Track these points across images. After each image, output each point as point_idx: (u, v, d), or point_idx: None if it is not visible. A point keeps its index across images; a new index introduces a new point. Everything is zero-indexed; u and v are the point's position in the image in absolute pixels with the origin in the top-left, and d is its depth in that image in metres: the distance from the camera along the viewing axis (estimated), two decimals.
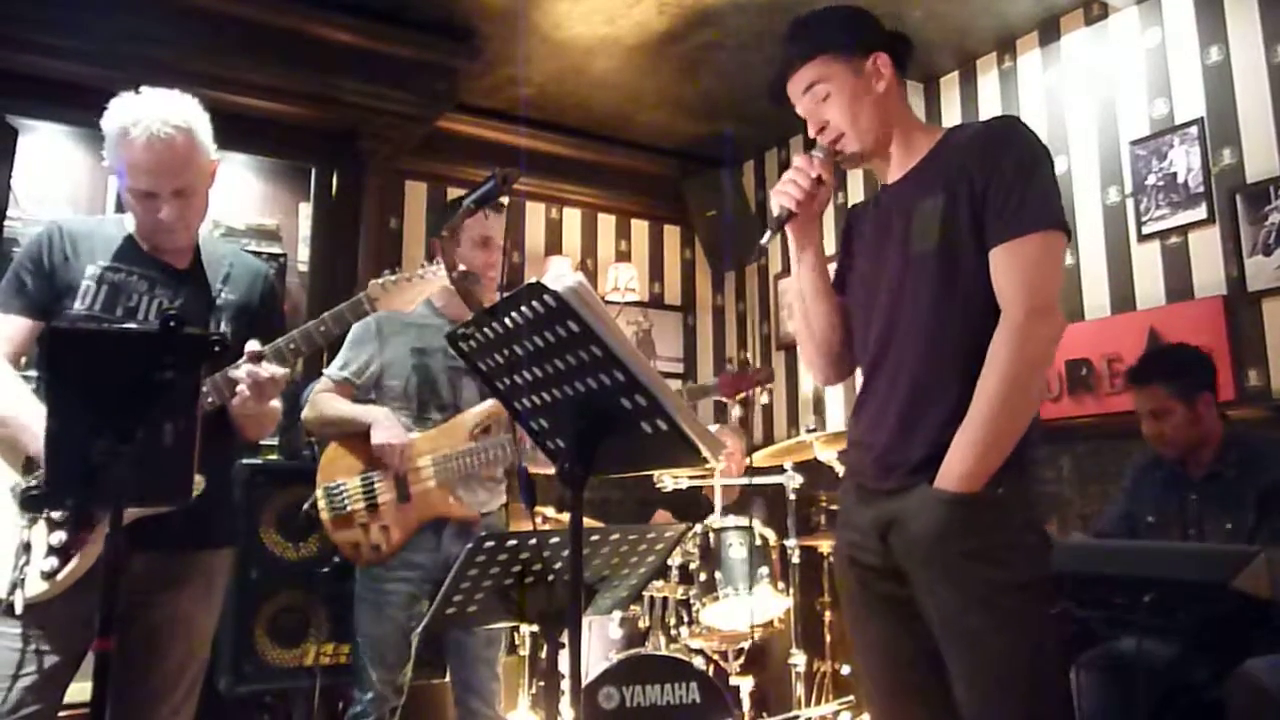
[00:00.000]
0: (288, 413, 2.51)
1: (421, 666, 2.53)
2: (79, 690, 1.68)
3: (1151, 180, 3.46)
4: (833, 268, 1.84)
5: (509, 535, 1.57)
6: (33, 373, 1.88)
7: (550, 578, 1.60)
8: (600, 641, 3.29)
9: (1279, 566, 1.84)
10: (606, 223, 5.39)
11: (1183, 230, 3.36)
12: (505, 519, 2.69)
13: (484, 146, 4.73)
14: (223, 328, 1.92)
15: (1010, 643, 1.46)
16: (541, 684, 3.34)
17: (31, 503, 1.70)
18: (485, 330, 1.35)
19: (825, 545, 3.66)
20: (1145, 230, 3.47)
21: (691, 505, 3.97)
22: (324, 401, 2.48)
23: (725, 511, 3.46)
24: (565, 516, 2.98)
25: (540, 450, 1.48)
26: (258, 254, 2.42)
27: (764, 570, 3.24)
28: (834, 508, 3.95)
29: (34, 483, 1.72)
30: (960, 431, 1.51)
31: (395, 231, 4.69)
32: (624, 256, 5.36)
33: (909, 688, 1.63)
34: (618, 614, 3.23)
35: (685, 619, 3.32)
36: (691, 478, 3.66)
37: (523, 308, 1.26)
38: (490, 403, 2.48)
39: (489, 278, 2.46)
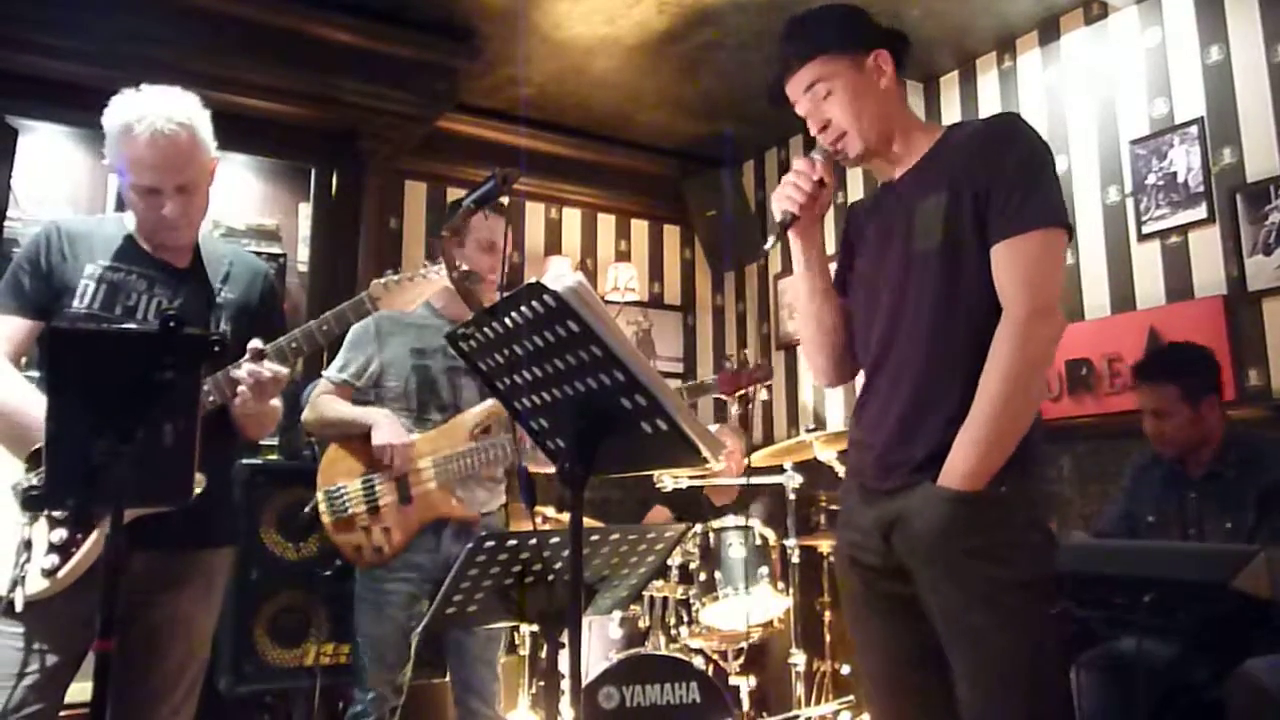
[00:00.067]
0: (288, 412, 2.51)
1: (421, 666, 2.53)
2: (79, 690, 1.68)
3: (1151, 180, 3.46)
4: (833, 268, 1.84)
5: (509, 535, 1.57)
6: (33, 373, 1.88)
7: (550, 578, 1.60)
8: (600, 641, 3.29)
9: (1279, 566, 1.84)
10: (606, 223, 5.39)
11: (1183, 230, 3.36)
12: (505, 519, 2.69)
13: (484, 146, 4.73)
14: (223, 327, 1.92)
15: (1013, 641, 1.46)
16: (541, 684, 3.34)
17: (32, 502, 1.70)
18: (485, 330, 1.35)
19: (825, 545, 3.66)
20: (1145, 230, 3.47)
21: (691, 505, 3.97)
22: (324, 403, 2.48)
23: (725, 511, 3.47)
24: (565, 516, 2.98)
25: (540, 450, 1.49)
26: (258, 254, 2.42)
27: (764, 570, 3.24)
28: (834, 508, 3.96)
29: (35, 482, 1.72)
30: (963, 430, 1.51)
31: (395, 231, 4.69)
32: (624, 256, 5.36)
33: (909, 688, 1.63)
34: (618, 614, 3.23)
35: (685, 619, 3.32)
36: (691, 478, 3.66)
37: (523, 308, 1.26)
38: (490, 403, 2.48)
39: (491, 280, 2.46)
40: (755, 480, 3.67)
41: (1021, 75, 4.01)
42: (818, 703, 3.69)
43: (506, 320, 1.30)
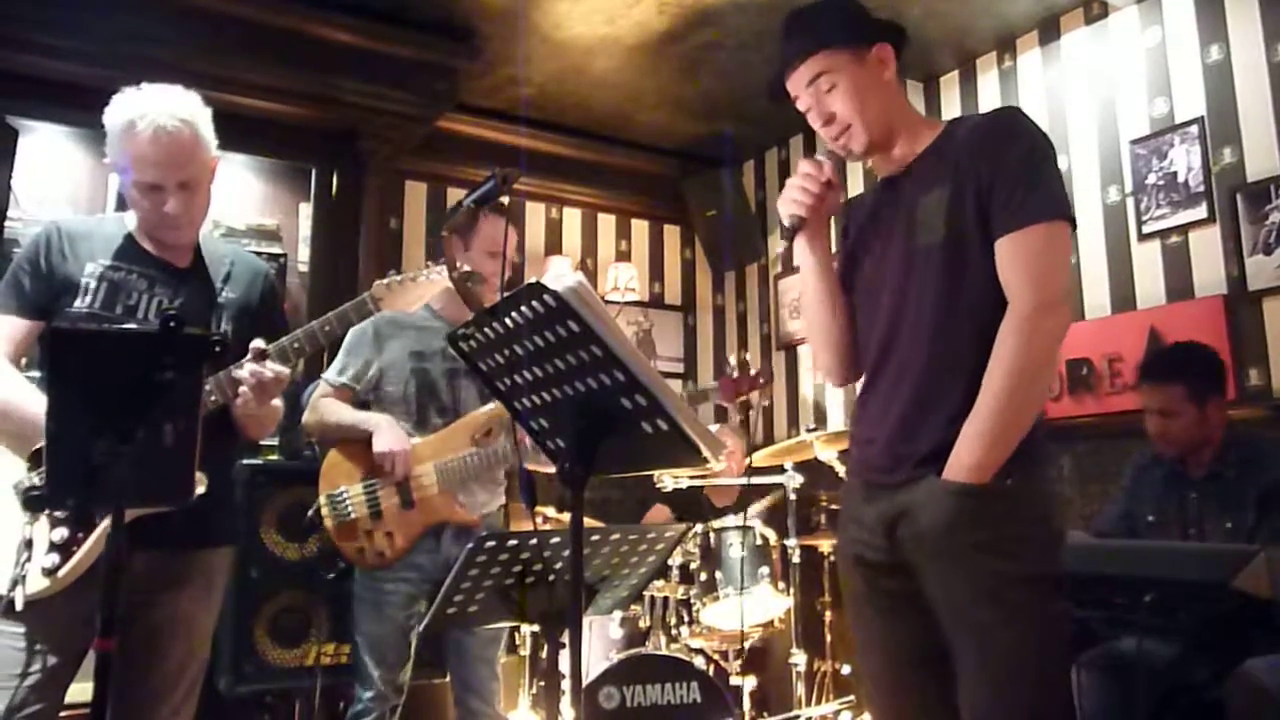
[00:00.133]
0: (289, 412, 2.51)
1: (422, 666, 2.53)
2: (80, 690, 1.68)
3: (1152, 179, 3.46)
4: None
5: (509, 535, 1.57)
6: (34, 373, 1.88)
7: (551, 578, 1.60)
8: (601, 641, 3.29)
9: (1279, 566, 1.84)
10: (606, 222, 5.39)
11: (1183, 229, 3.36)
12: (505, 519, 2.69)
13: (484, 146, 4.73)
14: (223, 327, 1.92)
15: (1018, 636, 1.46)
16: (542, 684, 3.34)
17: (33, 502, 1.71)
18: (485, 330, 1.35)
19: (825, 545, 3.66)
20: (1145, 229, 3.47)
21: (691, 505, 3.97)
22: (325, 407, 2.48)
23: (726, 512, 3.47)
24: (565, 516, 2.98)
25: (540, 450, 1.49)
26: (258, 254, 2.42)
27: (764, 570, 3.25)
28: (834, 507, 3.95)
29: (36, 482, 1.72)
30: (968, 423, 1.50)
31: (395, 231, 4.69)
32: (624, 256, 5.36)
33: (910, 687, 1.63)
34: (618, 614, 3.23)
35: (686, 619, 3.32)
36: (692, 478, 3.66)
37: (523, 308, 1.26)
38: (491, 406, 2.48)
39: (493, 285, 2.45)
40: (755, 480, 3.67)
41: (1022, 75, 4.01)
42: (818, 703, 3.69)
43: (507, 320, 1.30)
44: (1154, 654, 2.13)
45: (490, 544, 1.55)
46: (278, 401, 1.91)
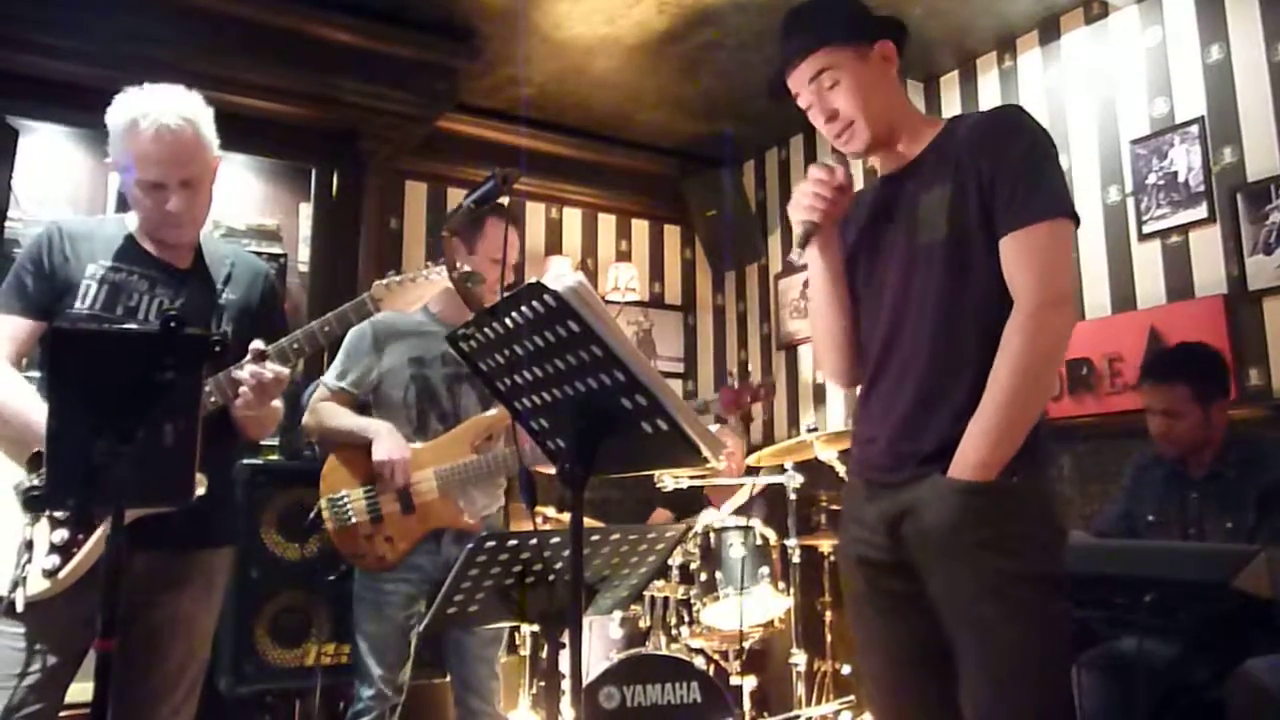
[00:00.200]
0: (289, 413, 2.51)
1: (422, 666, 2.53)
2: (80, 690, 1.68)
3: (1152, 179, 3.46)
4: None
5: (509, 535, 1.57)
6: (34, 373, 1.88)
7: (551, 578, 1.60)
8: (601, 641, 3.29)
9: (1279, 566, 1.84)
10: (607, 222, 5.39)
11: (1183, 229, 3.36)
12: (505, 519, 2.69)
13: (484, 146, 4.73)
14: (224, 328, 1.92)
15: (1021, 634, 1.46)
16: (542, 684, 3.34)
17: (33, 503, 1.71)
18: (486, 330, 1.35)
19: (826, 545, 3.66)
20: (1146, 229, 3.47)
21: (693, 505, 3.97)
22: (324, 412, 2.48)
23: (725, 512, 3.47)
24: (566, 516, 2.98)
25: (541, 450, 1.49)
26: (258, 254, 2.42)
27: (764, 570, 3.24)
28: (835, 507, 3.96)
29: (36, 483, 1.72)
30: (974, 421, 1.50)
31: (395, 232, 4.69)
32: (624, 256, 5.36)
33: (910, 686, 1.63)
34: (618, 614, 3.23)
35: (686, 619, 3.32)
36: (692, 478, 3.66)
37: (523, 308, 1.26)
38: (492, 412, 2.48)
39: (493, 288, 2.44)
40: (756, 480, 3.67)
41: (1022, 75, 4.01)
42: (818, 703, 3.69)
43: (507, 320, 1.30)
44: (1154, 654, 2.12)
45: (490, 544, 1.55)
46: (278, 402, 1.91)
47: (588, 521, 1.61)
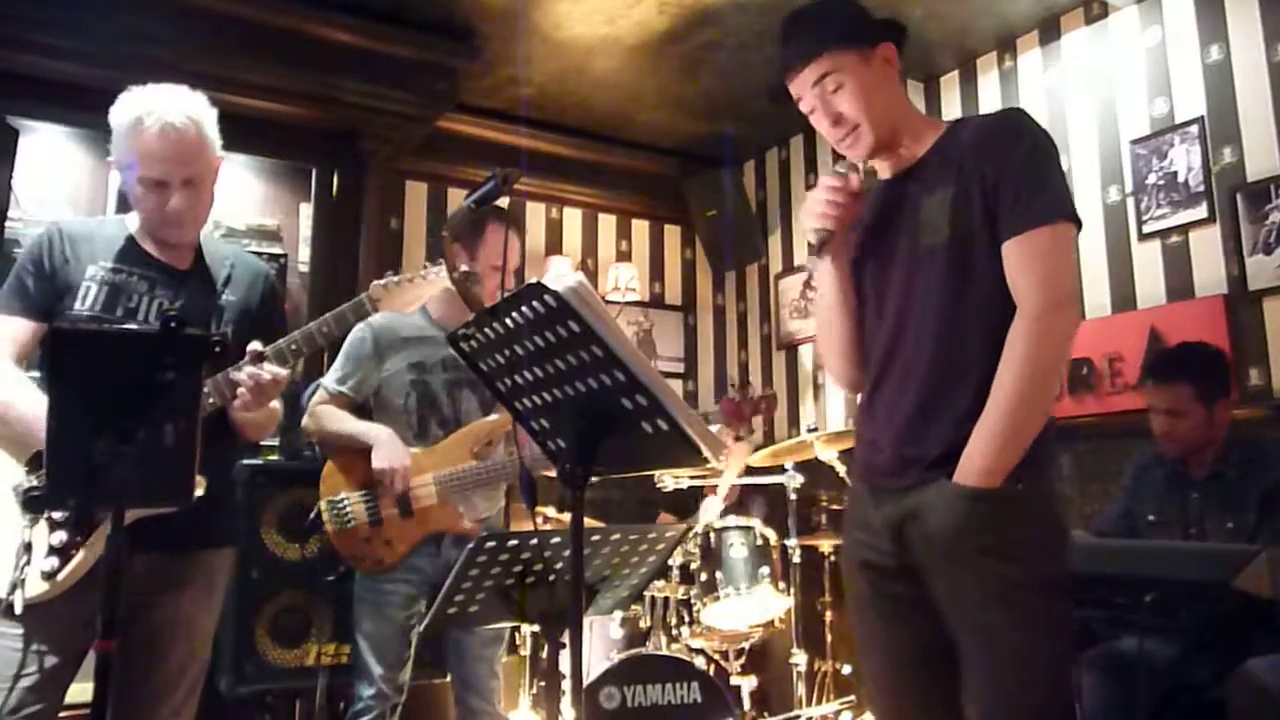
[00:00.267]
0: (288, 413, 2.51)
1: (422, 666, 2.53)
2: (80, 690, 1.68)
3: (1152, 179, 3.46)
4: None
5: (510, 535, 1.57)
6: (34, 374, 1.88)
7: (551, 578, 1.60)
8: (601, 641, 3.29)
9: None
10: (607, 223, 5.39)
11: (1183, 229, 3.36)
12: (506, 519, 2.69)
13: (484, 146, 4.73)
14: (224, 328, 1.92)
15: (1027, 639, 1.46)
16: (542, 684, 3.34)
17: (33, 504, 1.71)
18: (486, 330, 1.35)
19: (826, 545, 3.66)
20: (1146, 229, 3.47)
21: (694, 505, 3.97)
22: (324, 415, 2.48)
23: (726, 513, 3.46)
24: (566, 516, 2.97)
25: (541, 451, 1.49)
26: (258, 254, 2.42)
27: (765, 570, 3.24)
28: (835, 508, 3.95)
29: (36, 483, 1.72)
30: (978, 426, 1.50)
31: (396, 232, 4.69)
32: (624, 256, 5.36)
33: (912, 688, 1.63)
34: (619, 614, 3.23)
35: (686, 619, 3.32)
36: (692, 478, 3.66)
37: (523, 308, 1.26)
38: (492, 418, 2.48)
39: (493, 292, 2.44)
40: (756, 480, 3.67)
41: (1022, 75, 4.01)
42: (819, 703, 3.69)
43: (507, 320, 1.30)
44: (1155, 654, 2.12)
45: (490, 544, 1.55)
46: (277, 403, 1.91)
47: (588, 522, 1.61)
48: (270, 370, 1.77)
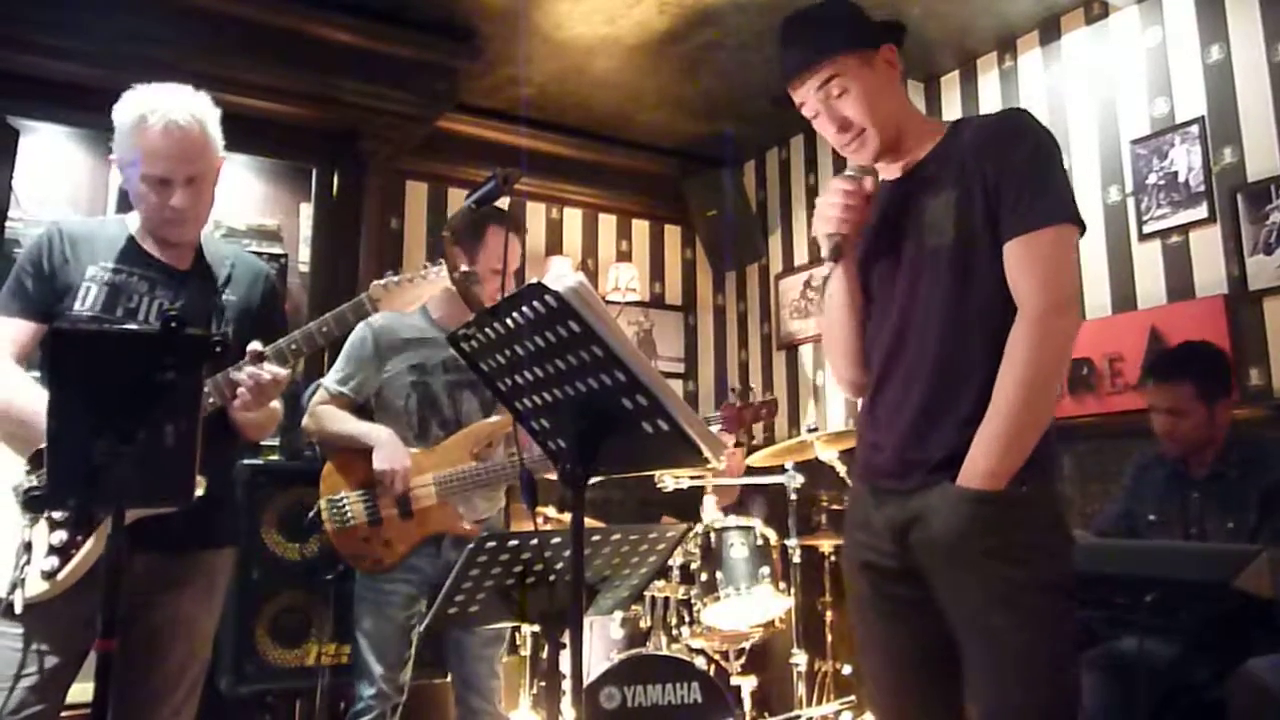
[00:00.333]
0: (288, 413, 2.51)
1: (423, 666, 2.53)
2: (80, 691, 1.68)
3: (1152, 179, 3.46)
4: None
5: (510, 535, 1.57)
6: (34, 374, 1.88)
7: (551, 578, 1.60)
8: (601, 641, 3.29)
9: None
10: (607, 223, 5.39)
11: (1184, 229, 3.36)
12: (506, 519, 2.69)
13: (485, 146, 4.73)
14: (224, 328, 1.92)
15: (1031, 643, 1.46)
16: (543, 684, 3.34)
17: (33, 504, 1.71)
18: (486, 331, 1.35)
19: (826, 545, 3.66)
20: (1146, 229, 3.47)
21: (693, 505, 3.97)
22: (325, 415, 2.48)
23: (726, 513, 3.47)
24: (566, 517, 2.98)
25: (541, 451, 1.49)
26: (259, 254, 2.42)
27: (765, 570, 3.24)
28: (835, 508, 3.95)
29: (36, 483, 1.72)
30: (982, 428, 1.50)
31: (396, 232, 4.69)
32: (625, 256, 5.36)
33: (912, 689, 1.63)
34: (619, 614, 3.23)
35: (686, 619, 3.32)
36: (692, 478, 3.66)
37: (524, 308, 1.26)
38: (493, 420, 2.48)
39: (493, 295, 2.43)
40: (756, 480, 3.67)
41: (1022, 75, 4.01)
42: (819, 703, 3.69)
43: (508, 320, 1.30)
44: (1155, 654, 2.13)
45: (491, 544, 1.56)
46: (277, 403, 1.91)
47: (588, 522, 1.61)
48: (270, 370, 1.78)
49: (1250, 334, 3.14)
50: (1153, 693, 2.11)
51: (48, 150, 3.81)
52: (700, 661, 3.12)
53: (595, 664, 3.08)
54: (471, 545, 1.55)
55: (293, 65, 3.77)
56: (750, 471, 3.67)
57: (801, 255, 5.00)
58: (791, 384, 4.99)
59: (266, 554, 2.92)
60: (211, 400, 1.79)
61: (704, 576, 3.25)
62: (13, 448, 1.76)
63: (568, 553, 1.48)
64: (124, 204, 2.95)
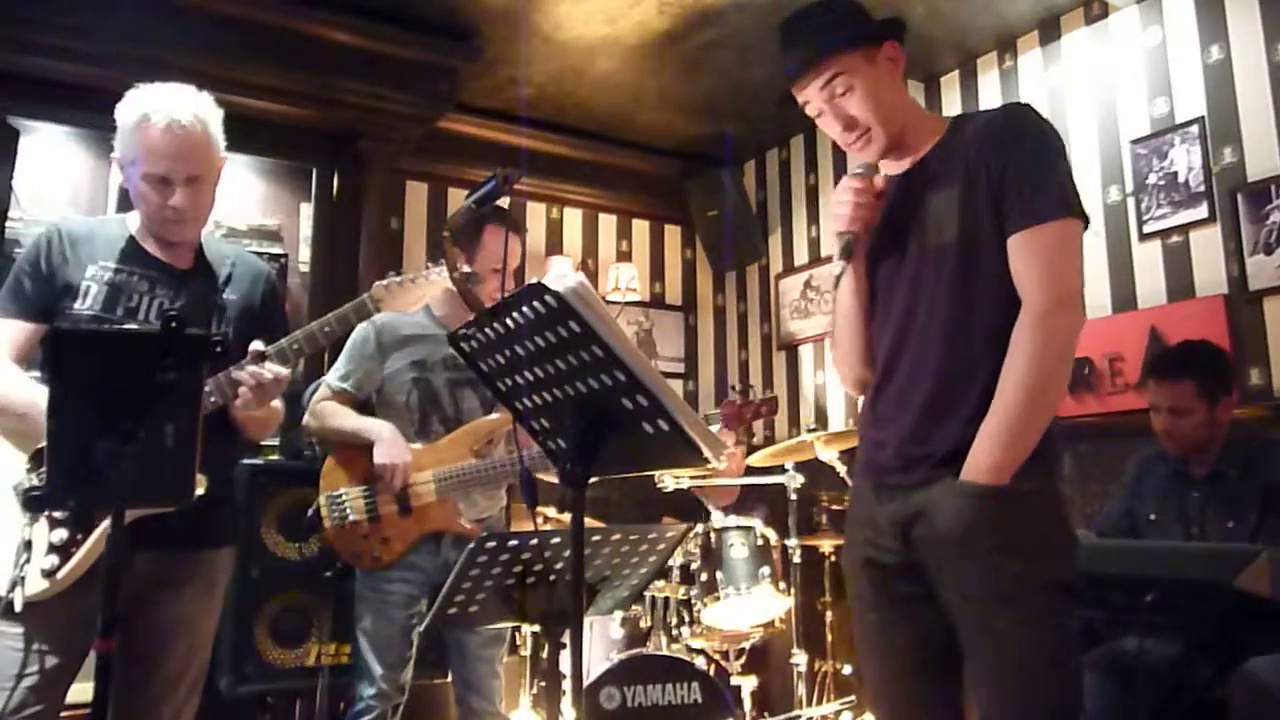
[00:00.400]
0: (289, 413, 2.51)
1: (424, 666, 2.53)
2: (80, 690, 1.68)
3: (1152, 179, 3.46)
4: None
5: (510, 535, 1.57)
6: (34, 374, 1.88)
7: (551, 578, 1.60)
8: (602, 641, 3.29)
9: None
10: (607, 223, 5.39)
11: (1184, 229, 3.36)
12: (507, 519, 2.69)
13: (485, 147, 4.74)
14: (224, 328, 1.92)
15: (1034, 639, 1.46)
16: (543, 684, 3.34)
17: (34, 503, 1.71)
18: (487, 331, 1.35)
19: (826, 545, 3.66)
20: (1146, 229, 3.46)
21: (690, 506, 3.96)
22: (326, 412, 2.48)
23: (726, 512, 3.47)
24: (566, 517, 2.97)
25: (541, 451, 1.48)
26: (259, 254, 2.42)
27: (765, 570, 3.24)
28: (836, 508, 3.96)
29: (36, 483, 1.72)
30: (985, 423, 1.49)
31: (396, 232, 4.69)
32: (625, 256, 5.36)
33: (913, 688, 1.62)
34: (619, 614, 3.23)
35: (686, 619, 3.32)
36: (692, 478, 3.66)
37: (524, 308, 1.26)
38: (494, 417, 2.48)
39: (493, 296, 2.44)
40: (756, 480, 3.67)
41: (1022, 75, 4.01)
42: (819, 703, 3.69)
43: (508, 320, 1.30)
44: (1156, 654, 2.13)
45: (491, 544, 1.55)
46: (278, 403, 1.91)
47: (588, 522, 1.60)
48: (272, 369, 1.78)
49: (1250, 334, 3.14)
50: (1154, 693, 2.11)
51: (48, 150, 3.81)
52: (700, 661, 3.12)
53: (595, 664, 3.07)
54: (471, 545, 1.55)
55: (293, 65, 3.77)
56: (750, 471, 3.67)
57: (801, 255, 5.00)
58: (791, 384, 4.99)
59: (267, 554, 2.92)
60: (213, 399, 1.79)
61: (704, 576, 3.25)
62: (13, 443, 1.76)
63: (568, 553, 1.48)
64: (124, 204, 2.95)
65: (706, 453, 1.27)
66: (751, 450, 3.81)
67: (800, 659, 3.31)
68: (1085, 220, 1.55)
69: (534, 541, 1.57)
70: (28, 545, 1.67)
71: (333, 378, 2.52)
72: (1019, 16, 3.88)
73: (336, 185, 4.12)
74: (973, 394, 1.53)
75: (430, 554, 2.43)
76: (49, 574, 1.69)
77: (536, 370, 1.34)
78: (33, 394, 1.73)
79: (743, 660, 3.44)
